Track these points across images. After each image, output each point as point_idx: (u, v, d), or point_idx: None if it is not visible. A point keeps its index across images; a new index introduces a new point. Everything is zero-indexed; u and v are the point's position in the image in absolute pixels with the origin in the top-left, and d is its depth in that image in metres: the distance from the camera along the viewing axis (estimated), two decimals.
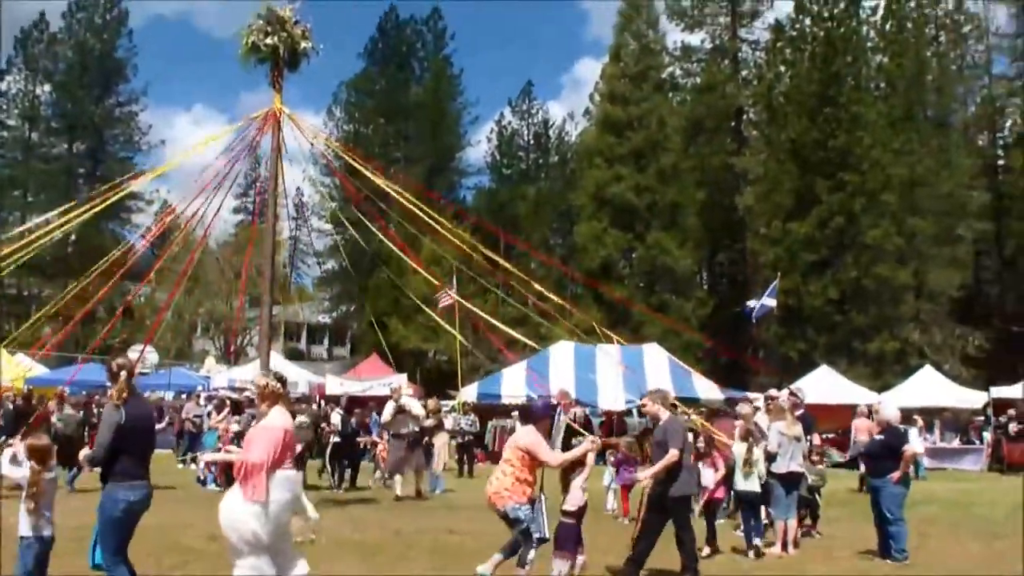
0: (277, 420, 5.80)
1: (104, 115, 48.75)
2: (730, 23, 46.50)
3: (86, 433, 15.34)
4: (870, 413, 18.50)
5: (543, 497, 6.99)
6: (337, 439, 15.94)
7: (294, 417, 6.68)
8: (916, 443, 14.32)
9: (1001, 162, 43.96)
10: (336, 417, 16.31)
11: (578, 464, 7.32)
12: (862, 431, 17.85)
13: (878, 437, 9.62)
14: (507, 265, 14.11)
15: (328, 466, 16.10)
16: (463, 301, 16.28)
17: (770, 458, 9.48)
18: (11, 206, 46.43)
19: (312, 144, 13.73)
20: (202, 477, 15.53)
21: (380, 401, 18.70)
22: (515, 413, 21.86)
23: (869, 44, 40.16)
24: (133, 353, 20.16)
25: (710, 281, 46.75)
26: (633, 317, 34.57)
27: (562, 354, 23.21)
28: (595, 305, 34.08)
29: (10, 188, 47.04)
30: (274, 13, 12.03)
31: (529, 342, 15.48)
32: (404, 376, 25.01)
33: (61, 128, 48.60)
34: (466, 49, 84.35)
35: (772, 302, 19.79)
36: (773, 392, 12.68)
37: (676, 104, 44.83)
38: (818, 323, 34.55)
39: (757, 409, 11.02)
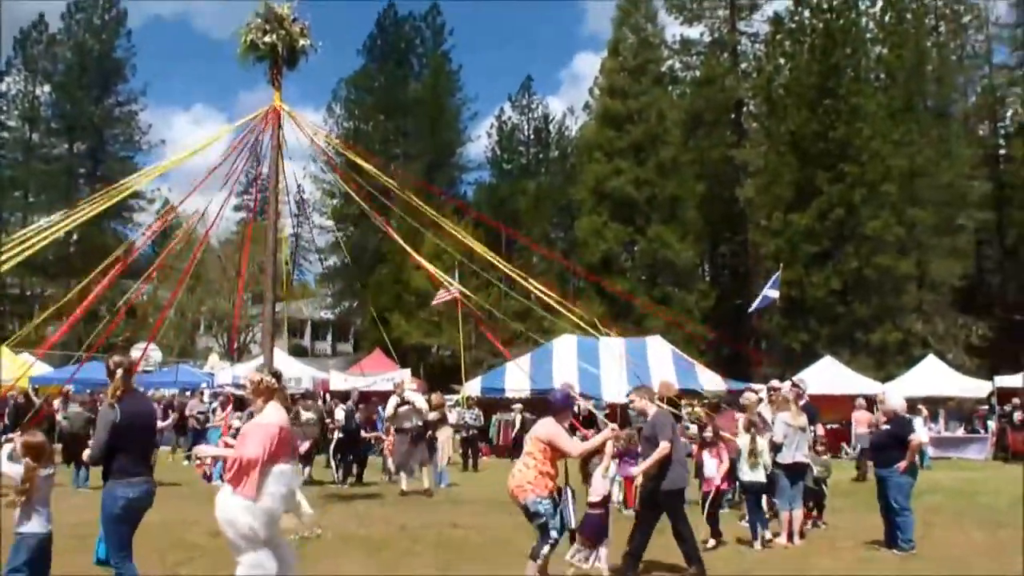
0: (272, 416, 5.77)
1: (104, 115, 48.71)
2: (729, 16, 46.45)
3: (92, 431, 15.33)
4: (869, 405, 18.62)
5: (570, 489, 6.94)
6: (340, 434, 16.01)
7: (290, 413, 6.66)
8: (921, 432, 14.34)
9: (1002, 151, 43.99)
10: (340, 413, 16.36)
11: (596, 454, 7.33)
12: (862, 423, 17.93)
13: (885, 427, 9.61)
14: (507, 266, 14.05)
15: (332, 461, 16.15)
16: (468, 292, 16.28)
17: (776, 448, 9.48)
18: (12, 207, 46.43)
19: (312, 140, 13.72)
20: (208, 472, 15.53)
21: (384, 396, 18.70)
22: (516, 406, 22.04)
23: (868, 35, 40.01)
24: (136, 351, 20.27)
25: (712, 273, 46.79)
26: (635, 310, 34.57)
27: (565, 347, 23.25)
28: (597, 299, 34.12)
29: (11, 189, 47.04)
30: (272, 11, 11.99)
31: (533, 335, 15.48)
32: (408, 371, 25.01)
33: (61, 128, 48.55)
34: (465, 45, 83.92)
35: (775, 293, 19.77)
36: (776, 383, 12.69)
37: (676, 97, 44.70)
38: (820, 314, 34.51)
39: (761, 400, 11.02)
